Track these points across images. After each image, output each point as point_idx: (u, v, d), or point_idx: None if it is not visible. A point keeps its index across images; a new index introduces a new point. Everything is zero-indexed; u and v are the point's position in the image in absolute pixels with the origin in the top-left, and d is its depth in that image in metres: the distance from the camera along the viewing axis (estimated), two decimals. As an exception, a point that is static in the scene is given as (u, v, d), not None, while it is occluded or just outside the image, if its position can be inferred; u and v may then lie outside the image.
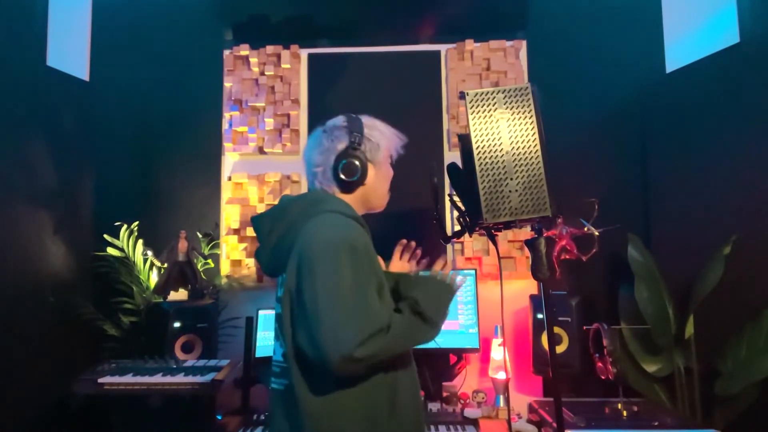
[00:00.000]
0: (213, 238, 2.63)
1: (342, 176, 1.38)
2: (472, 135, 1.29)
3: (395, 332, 1.20)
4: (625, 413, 2.07)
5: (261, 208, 2.67)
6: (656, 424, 1.97)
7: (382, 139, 1.44)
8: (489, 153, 1.28)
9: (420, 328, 1.28)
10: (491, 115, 1.29)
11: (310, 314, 1.18)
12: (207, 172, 2.74)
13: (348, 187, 1.40)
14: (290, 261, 1.27)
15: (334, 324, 1.14)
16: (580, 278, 2.41)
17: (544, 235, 1.34)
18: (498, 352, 2.38)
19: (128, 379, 1.98)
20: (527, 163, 1.27)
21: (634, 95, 2.66)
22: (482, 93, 1.30)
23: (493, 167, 1.27)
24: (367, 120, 1.46)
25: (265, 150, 2.72)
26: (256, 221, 1.43)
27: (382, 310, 1.21)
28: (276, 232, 1.35)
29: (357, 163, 1.38)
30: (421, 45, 2.79)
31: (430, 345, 2.35)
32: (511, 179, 1.26)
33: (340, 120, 1.45)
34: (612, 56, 2.68)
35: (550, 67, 2.70)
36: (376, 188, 1.45)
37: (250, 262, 2.64)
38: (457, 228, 1.45)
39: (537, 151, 1.27)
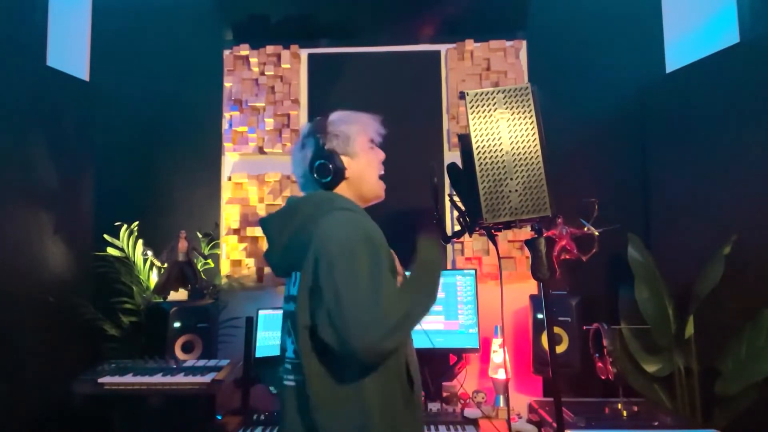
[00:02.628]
0: (213, 238, 2.63)
1: (319, 178, 1.41)
2: (472, 135, 1.28)
3: (413, 313, 1.23)
4: (625, 413, 2.07)
5: (261, 208, 2.67)
6: (656, 424, 1.97)
7: (351, 128, 1.45)
8: (489, 153, 1.27)
9: (424, 298, 1.32)
10: (491, 115, 1.29)
11: (334, 310, 1.17)
12: (207, 172, 2.74)
13: (329, 186, 1.42)
14: (306, 259, 1.28)
15: (361, 317, 1.14)
16: (580, 278, 2.41)
17: (544, 235, 1.34)
18: (498, 352, 2.38)
19: (128, 379, 1.98)
20: (527, 163, 1.26)
21: (634, 95, 2.66)
22: (482, 93, 1.29)
23: (493, 167, 1.27)
24: (333, 116, 1.48)
25: (265, 150, 2.72)
26: (265, 222, 1.45)
27: (401, 295, 1.24)
28: (287, 231, 1.36)
29: (327, 162, 1.40)
30: (421, 45, 2.79)
31: (431, 345, 2.35)
32: (511, 179, 1.26)
33: (306, 128, 1.49)
34: (612, 56, 2.69)
35: (550, 67, 2.70)
36: (363, 177, 1.45)
37: (250, 262, 2.64)
38: (457, 228, 1.45)
39: (537, 151, 1.27)
